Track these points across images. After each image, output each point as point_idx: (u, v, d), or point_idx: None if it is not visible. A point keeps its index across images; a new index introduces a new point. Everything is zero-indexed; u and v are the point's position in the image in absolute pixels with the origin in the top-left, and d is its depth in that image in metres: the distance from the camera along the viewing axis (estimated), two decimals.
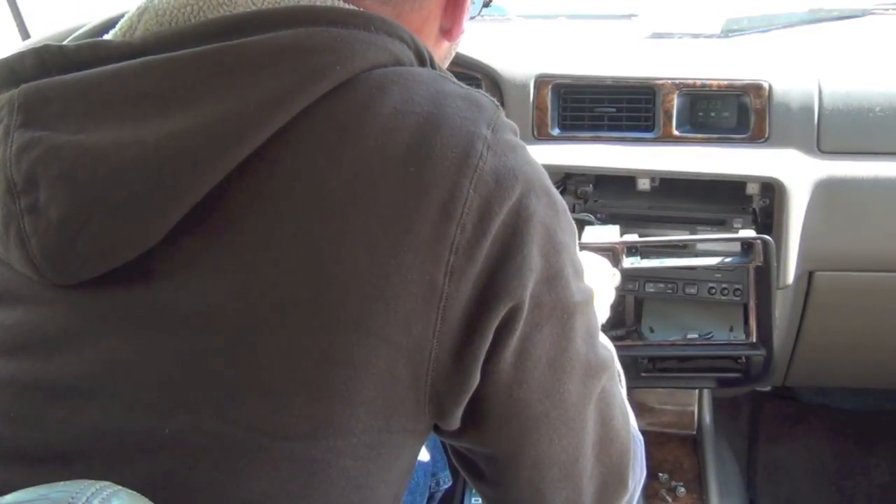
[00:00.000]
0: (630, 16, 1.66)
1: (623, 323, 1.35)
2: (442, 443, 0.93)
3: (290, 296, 0.53)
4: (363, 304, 0.53)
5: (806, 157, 1.24)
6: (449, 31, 0.71)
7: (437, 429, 0.62)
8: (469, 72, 1.35)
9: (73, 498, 0.43)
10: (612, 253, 1.15)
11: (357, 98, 0.56)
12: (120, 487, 0.45)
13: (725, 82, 1.27)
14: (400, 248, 0.53)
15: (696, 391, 1.64)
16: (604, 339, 0.88)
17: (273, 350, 0.53)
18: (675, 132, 1.28)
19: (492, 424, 0.61)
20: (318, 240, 0.53)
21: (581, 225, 1.26)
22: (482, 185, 0.55)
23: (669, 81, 1.27)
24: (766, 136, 1.25)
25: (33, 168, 0.55)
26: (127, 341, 0.54)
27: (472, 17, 0.78)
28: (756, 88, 1.25)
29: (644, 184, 1.33)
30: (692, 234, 1.29)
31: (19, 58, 0.59)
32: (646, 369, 1.32)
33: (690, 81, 1.27)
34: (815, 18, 1.53)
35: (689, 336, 1.30)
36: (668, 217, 1.32)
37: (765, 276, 1.19)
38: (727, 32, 1.47)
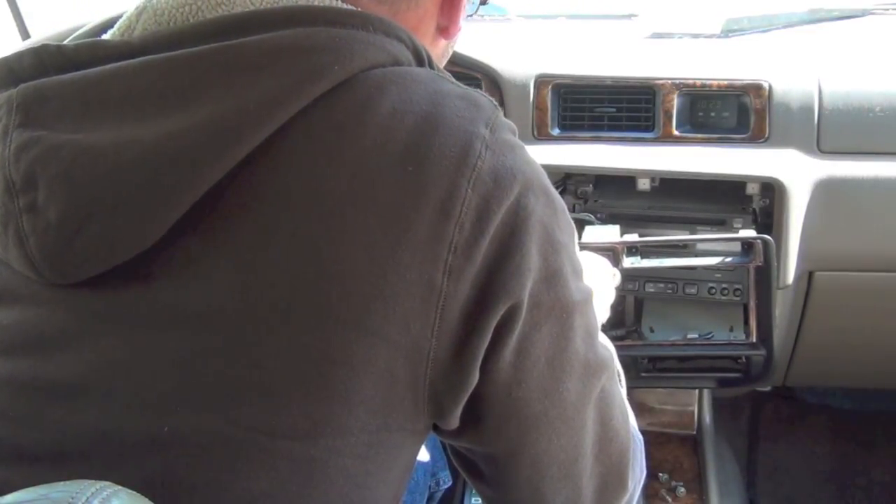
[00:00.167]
0: (630, 16, 1.65)
1: (623, 323, 1.35)
2: (442, 442, 0.93)
3: (288, 295, 0.53)
4: (362, 304, 0.53)
5: (806, 157, 1.24)
6: (446, 29, 0.71)
7: (436, 428, 0.62)
8: (469, 72, 1.35)
9: (73, 498, 0.43)
10: (612, 253, 1.15)
11: (355, 98, 0.56)
12: (120, 487, 0.45)
13: (725, 82, 1.27)
14: (398, 247, 0.53)
15: (696, 391, 1.64)
16: (603, 339, 0.88)
17: (272, 349, 0.53)
18: (675, 132, 1.28)
19: (491, 424, 0.61)
20: (317, 239, 0.53)
21: (581, 225, 1.26)
22: (480, 185, 0.55)
23: (669, 81, 1.27)
24: (766, 136, 1.25)
25: (32, 167, 0.55)
26: (125, 341, 0.54)
27: (469, 16, 0.78)
28: (756, 88, 1.25)
29: (644, 184, 1.33)
30: (692, 234, 1.29)
31: (18, 57, 0.59)
32: (646, 369, 1.32)
33: (690, 81, 1.27)
34: (815, 18, 1.53)
35: (689, 336, 1.30)
36: (668, 217, 1.32)
37: (765, 276, 1.19)
38: (727, 32, 1.47)
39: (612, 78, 1.31)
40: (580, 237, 1.14)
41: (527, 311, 0.58)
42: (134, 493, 0.46)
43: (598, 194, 1.34)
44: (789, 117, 1.24)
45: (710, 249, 1.26)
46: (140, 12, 0.62)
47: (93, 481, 0.45)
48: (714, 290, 1.30)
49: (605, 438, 0.66)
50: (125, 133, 0.54)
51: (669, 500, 1.55)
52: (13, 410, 0.55)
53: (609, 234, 1.21)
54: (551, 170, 1.34)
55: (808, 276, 1.30)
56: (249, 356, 0.53)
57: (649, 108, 1.30)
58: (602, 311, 0.99)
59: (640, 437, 0.75)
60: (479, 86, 1.35)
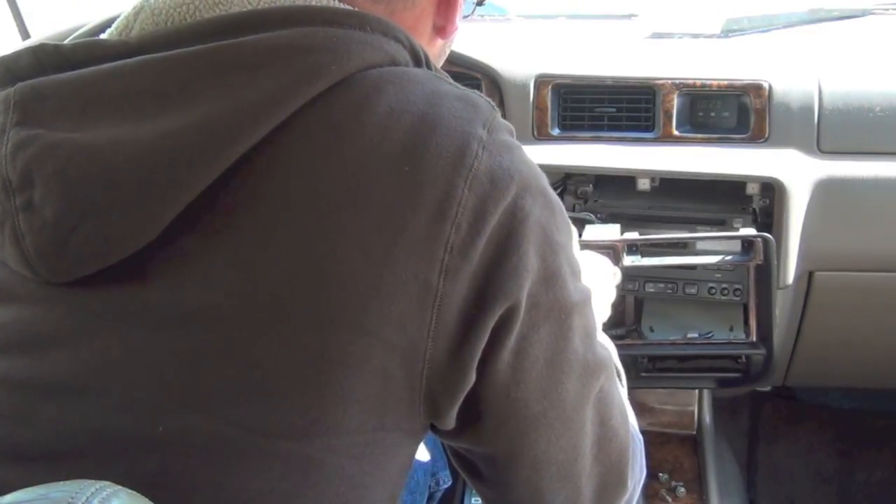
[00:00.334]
0: (630, 16, 1.66)
1: (623, 322, 1.35)
2: (441, 442, 0.93)
3: (284, 295, 0.53)
4: (358, 303, 0.53)
5: (806, 157, 1.24)
6: (442, 28, 0.71)
7: (435, 429, 0.62)
8: (469, 72, 1.35)
9: (72, 498, 0.43)
10: (612, 251, 1.15)
11: (353, 98, 0.56)
12: (119, 487, 0.45)
13: (725, 82, 1.27)
14: (394, 247, 0.53)
15: (696, 391, 1.64)
16: (603, 339, 0.88)
17: (267, 349, 0.53)
18: (675, 132, 1.28)
19: (490, 425, 0.61)
20: (313, 239, 0.53)
21: (581, 224, 1.26)
22: (477, 185, 0.55)
23: (669, 81, 1.27)
24: (766, 136, 1.25)
25: (28, 166, 0.55)
26: (121, 340, 0.54)
27: (466, 17, 0.78)
28: (756, 88, 1.25)
29: (644, 184, 1.33)
30: (692, 233, 1.29)
31: (15, 57, 0.59)
32: (646, 369, 1.32)
33: (690, 81, 1.27)
34: (815, 18, 1.53)
35: (689, 336, 1.30)
36: (669, 217, 1.32)
37: (765, 275, 1.19)
38: (727, 32, 1.47)
39: (612, 78, 1.31)
40: (580, 236, 1.14)
41: (525, 312, 0.58)
42: (133, 492, 0.46)
43: (598, 194, 1.34)
44: (789, 117, 1.24)
45: (711, 248, 1.26)
46: (137, 12, 0.62)
47: (92, 481, 0.45)
48: (714, 290, 1.29)
49: (604, 438, 0.66)
50: (122, 132, 0.54)
51: (669, 500, 1.55)
52: (8, 409, 0.55)
53: (609, 232, 1.21)
54: (551, 170, 1.34)
55: (808, 276, 1.30)
56: (245, 356, 0.53)
57: (649, 108, 1.30)
58: (603, 309, 0.99)
59: (640, 436, 0.75)
60: (479, 86, 1.35)
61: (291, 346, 0.53)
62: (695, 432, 1.69)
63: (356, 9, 0.61)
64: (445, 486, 1.21)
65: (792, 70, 1.27)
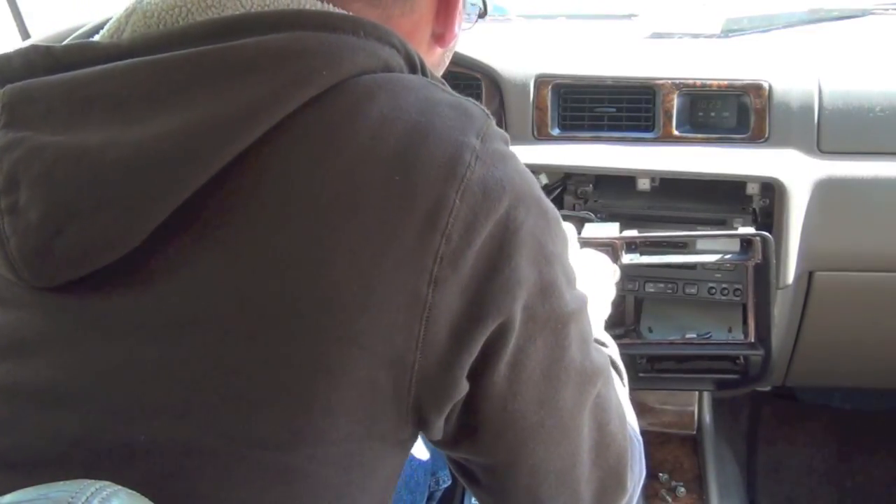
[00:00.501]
0: (630, 16, 1.66)
1: (622, 322, 1.35)
2: None
3: (270, 304, 0.52)
4: (344, 314, 0.52)
5: (806, 157, 1.24)
6: (441, 36, 0.69)
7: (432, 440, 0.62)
8: (469, 72, 1.35)
9: (72, 498, 0.43)
10: (610, 249, 1.15)
11: (344, 104, 0.55)
12: (119, 487, 0.45)
13: (725, 82, 1.27)
14: (383, 257, 0.53)
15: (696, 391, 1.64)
16: (604, 337, 0.88)
17: (251, 358, 0.52)
18: (675, 132, 1.28)
19: (487, 436, 0.61)
20: (301, 247, 0.52)
21: (581, 222, 1.26)
22: (469, 196, 0.54)
23: (669, 81, 1.27)
24: (766, 136, 1.25)
25: (15, 168, 0.54)
26: (104, 347, 0.53)
27: (467, 29, 0.76)
28: (756, 88, 1.25)
29: (644, 184, 1.33)
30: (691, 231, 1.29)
31: (6, 58, 0.59)
32: (644, 370, 1.32)
33: (690, 81, 1.27)
34: (815, 18, 1.53)
35: (688, 336, 1.30)
36: (669, 217, 1.32)
37: (764, 274, 1.19)
38: (727, 32, 1.47)
39: (612, 78, 1.31)
40: (580, 233, 1.14)
41: (521, 324, 0.57)
42: (133, 492, 0.46)
43: (598, 194, 1.34)
44: (789, 117, 1.24)
45: (710, 247, 1.26)
46: (129, 14, 0.61)
47: (92, 481, 0.44)
48: (714, 290, 1.30)
49: (602, 443, 0.66)
50: (109, 135, 0.53)
51: (669, 500, 1.55)
52: None
53: (608, 230, 1.22)
54: (551, 170, 1.34)
55: (808, 276, 1.30)
56: (228, 364, 0.52)
57: (649, 108, 1.30)
58: (603, 307, 0.99)
59: (640, 437, 0.75)
60: (479, 86, 1.35)
61: (276, 356, 0.52)
62: (695, 432, 1.69)
63: (351, 13, 0.60)
64: (445, 485, 1.21)
65: (792, 70, 1.27)
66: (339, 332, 0.52)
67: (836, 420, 1.91)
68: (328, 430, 0.54)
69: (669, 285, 1.31)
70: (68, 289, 0.54)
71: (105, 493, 0.43)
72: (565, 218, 1.13)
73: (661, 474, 1.60)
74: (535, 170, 1.34)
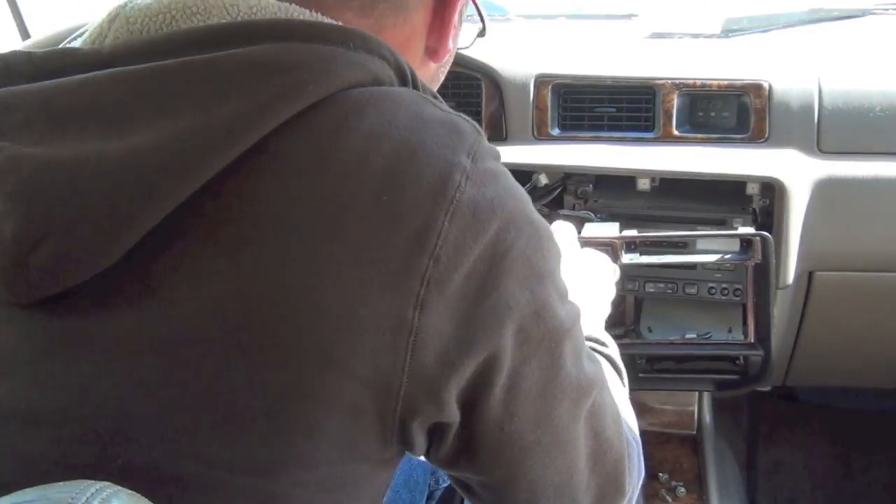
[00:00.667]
0: (630, 16, 1.66)
1: (622, 322, 1.35)
2: None
3: (251, 326, 0.50)
4: (328, 337, 0.51)
5: (806, 157, 1.24)
6: (435, 51, 0.67)
7: (428, 454, 0.61)
8: (469, 72, 1.35)
9: (73, 498, 0.42)
10: (611, 248, 1.15)
11: (331, 120, 0.53)
12: (119, 488, 0.45)
13: (725, 82, 1.27)
14: (368, 279, 0.51)
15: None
16: (604, 337, 0.88)
17: (231, 381, 0.50)
18: (675, 132, 1.28)
19: (484, 457, 0.60)
20: (284, 268, 0.50)
21: (580, 222, 1.26)
22: (459, 217, 0.53)
23: (669, 81, 1.27)
24: (766, 136, 1.25)
25: None
26: (80, 366, 0.51)
27: (464, 48, 0.75)
28: (756, 88, 1.25)
29: (644, 184, 1.33)
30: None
31: None
32: (643, 370, 1.32)
33: (690, 81, 1.27)
34: (815, 18, 1.53)
35: (688, 336, 1.30)
36: (668, 217, 1.32)
37: (763, 274, 1.19)
38: (727, 32, 1.47)
39: (612, 78, 1.31)
40: (580, 233, 1.14)
41: (515, 347, 0.56)
42: (133, 493, 0.45)
43: (598, 194, 1.34)
44: (789, 117, 1.24)
45: (710, 247, 1.26)
46: (112, 19, 0.59)
47: (92, 481, 0.44)
48: (714, 290, 1.30)
49: (598, 451, 0.65)
50: (87, 147, 0.51)
51: (669, 500, 1.55)
52: None
53: (608, 230, 1.22)
54: (551, 170, 1.35)
55: (808, 276, 1.30)
56: (208, 388, 0.50)
57: (649, 108, 1.30)
58: (603, 307, 0.99)
59: (638, 438, 0.75)
60: (478, 86, 1.35)
61: (257, 379, 0.50)
62: (695, 432, 1.69)
63: (340, 23, 0.58)
64: (445, 484, 1.21)
65: (792, 70, 1.27)
66: (322, 357, 0.51)
67: (836, 420, 1.91)
68: (310, 454, 0.52)
69: (669, 285, 1.31)
70: (44, 306, 0.52)
71: (105, 493, 0.43)
72: (565, 218, 1.14)
73: (660, 474, 1.60)
74: (535, 170, 1.35)
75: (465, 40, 0.75)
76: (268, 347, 0.50)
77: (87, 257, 0.51)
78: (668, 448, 1.66)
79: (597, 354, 0.83)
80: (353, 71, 0.55)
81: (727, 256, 1.20)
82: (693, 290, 1.30)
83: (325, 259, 0.51)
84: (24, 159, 0.52)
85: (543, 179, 1.36)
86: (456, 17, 0.67)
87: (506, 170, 0.58)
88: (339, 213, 0.51)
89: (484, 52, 1.35)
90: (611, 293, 1.04)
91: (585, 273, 1.03)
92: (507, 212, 0.55)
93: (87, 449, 0.50)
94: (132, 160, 0.50)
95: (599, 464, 0.66)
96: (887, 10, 1.57)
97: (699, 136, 1.29)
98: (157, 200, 0.50)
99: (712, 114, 1.30)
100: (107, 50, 0.56)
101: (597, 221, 1.30)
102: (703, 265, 1.28)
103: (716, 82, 1.27)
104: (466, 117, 0.59)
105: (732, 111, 1.29)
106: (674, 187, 1.32)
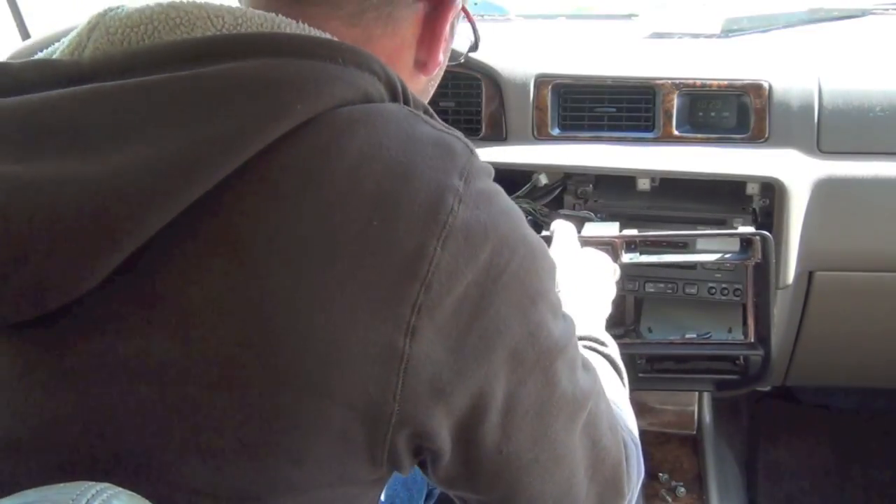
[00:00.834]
0: (630, 16, 1.66)
1: (622, 322, 1.35)
2: None
3: (236, 353, 0.49)
4: (316, 366, 0.49)
5: (806, 157, 1.24)
6: (424, 65, 0.65)
7: (422, 466, 0.61)
8: (469, 72, 1.35)
9: (73, 500, 0.42)
10: (611, 248, 1.15)
11: (320, 140, 0.51)
12: (121, 489, 0.45)
13: (725, 82, 1.27)
14: (358, 306, 0.50)
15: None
16: (604, 337, 0.88)
17: (217, 408, 0.49)
18: (675, 132, 1.28)
19: (482, 479, 0.60)
20: (270, 295, 0.49)
21: (581, 222, 1.26)
22: (451, 243, 0.51)
23: (669, 81, 1.27)
24: (766, 136, 1.25)
25: None
26: (58, 392, 0.50)
27: (455, 63, 0.73)
28: (756, 88, 1.25)
29: (644, 184, 1.33)
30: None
31: None
32: (643, 370, 1.32)
33: (690, 81, 1.27)
34: (815, 18, 1.54)
35: (688, 336, 1.30)
36: (669, 217, 1.32)
37: (763, 274, 1.19)
38: (727, 32, 1.47)
39: (612, 78, 1.31)
40: (580, 233, 1.14)
41: (510, 371, 0.55)
42: (134, 494, 0.45)
43: (598, 194, 1.34)
44: (789, 117, 1.24)
45: (709, 247, 1.26)
46: (92, 28, 0.57)
47: (93, 483, 0.44)
48: (714, 290, 1.30)
49: (597, 460, 0.65)
50: (67, 167, 0.49)
51: (669, 500, 1.55)
52: None
53: (608, 229, 1.22)
54: (551, 170, 1.35)
55: (808, 276, 1.30)
56: (191, 415, 0.49)
57: (649, 108, 1.30)
58: (603, 307, 0.99)
59: (637, 440, 0.74)
60: (478, 86, 1.35)
61: (241, 408, 0.49)
62: (695, 432, 1.69)
63: (329, 34, 0.57)
64: None
65: (792, 70, 1.27)
66: (310, 385, 0.50)
67: (836, 420, 1.91)
68: (299, 481, 0.51)
69: (669, 285, 1.31)
70: (20, 329, 0.50)
71: (106, 494, 0.43)
72: (565, 218, 1.14)
73: (661, 474, 1.60)
74: (536, 170, 1.35)
75: (456, 54, 0.74)
76: (254, 375, 0.49)
77: (68, 281, 0.49)
78: (668, 448, 1.66)
79: (596, 354, 0.83)
80: (341, 88, 0.53)
81: (727, 256, 1.20)
82: (693, 290, 1.30)
83: (313, 286, 0.49)
84: (2, 179, 0.49)
85: (543, 179, 1.36)
86: (447, 29, 0.65)
87: (499, 188, 0.57)
88: (328, 239, 0.50)
89: (484, 52, 1.34)
90: (611, 293, 1.04)
91: (585, 273, 1.03)
92: (500, 234, 0.54)
93: (67, 478, 0.48)
94: (113, 182, 0.48)
95: (598, 472, 0.66)
96: (887, 10, 1.57)
97: (699, 136, 1.29)
98: (139, 224, 0.48)
99: (712, 114, 1.30)
100: (87, 62, 0.54)
101: (597, 221, 1.30)
102: (703, 265, 1.28)
103: (716, 82, 1.27)
104: (459, 134, 0.57)
105: (732, 111, 1.29)
106: (674, 187, 1.32)
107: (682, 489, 1.56)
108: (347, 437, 0.52)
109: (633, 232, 1.20)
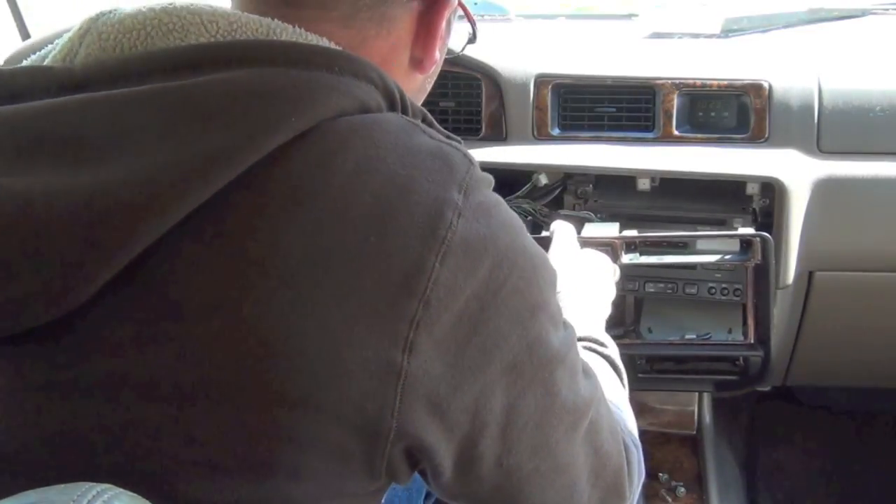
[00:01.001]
0: (630, 16, 1.66)
1: (622, 322, 1.35)
2: None
3: (230, 370, 0.48)
4: (312, 382, 0.49)
5: (806, 157, 1.24)
6: (420, 62, 0.64)
7: (423, 474, 0.60)
8: (469, 72, 1.35)
9: (74, 500, 0.42)
10: (611, 248, 1.15)
11: (316, 153, 0.50)
12: (121, 490, 0.45)
13: (725, 82, 1.27)
14: (355, 323, 0.49)
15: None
16: (604, 337, 0.88)
17: (211, 425, 0.48)
18: (675, 132, 1.28)
19: (483, 490, 0.59)
20: (265, 311, 0.48)
21: (581, 222, 1.26)
22: (450, 258, 0.51)
23: (669, 81, 1.27)
24: (766, 135, 1.25)
25: None
26: (50, 408, 0.49)
27: (451, 56, 0.73)
28: (756, 88, 1.25)
29: (644, 184, 1.33)
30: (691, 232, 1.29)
31: None
32: (643, 370, 1.32)
33: (690, 81, 1.27)
34: (815, 18, 1.54)
35: (688, 337, 1.30)
36: (669, 217, 1.32)
37: (763, 274, 1.19)
38: (727, 32, 1.47)
39: (612, 78, 1.31)
40: (580, 233, 1.14)
41: (509, 383, 0.55)
42: (135, 495, 0.45)
43: (598, 194, 1.34)
44: (789, 117, 1.24)
45: (709, 248, 1.26)
46: (83, 34, 0.56)
47: (94, 483, 0.44)
48: (714, 291, 1.30)
49: (598, 465, 0.65)
50: (58, 180, 0.48)
51: (669, 500, 1.55)
52: None
53: (608, 230, 1.22)
54: (551, 170, 1.35)
55: (808, 276, 1.30)
56: (186, 432, 0.48)
57: (649, 108, 1.30)
58: (603, 307, 0.99)
59: (637, 442, 0.74)
60: (478, 86, 1.35)
61: (236, 425, 0.49)
62: (695, 432, 1.69)
63: (324, 39, 0.56)
64: None
65: (792, 70, 1.27)
66: (306, 402, 0.49)
67: (836, 420, 1.91)
68: (295, 495, 0.51)
69: (669, 285, 1.31)
70: (10, 344, 0.49)
71: (107, 495, 0.43)
72: (565, 218, 1.14)
73: (660, 474, 1.60)
74: (536, 170, 1.35)
75: (455, 45, 0.73)
76: (247, 393, 0.48)
77: (54, 298, 0.48)
78: (668, 448, 1.66)
79: (596, 355, 0.83)
80: (338, 99, 0.52)
81: (727, 257, 1.20)
82: (693, 291, 1.30)
83: (309, 302, 0.48)
84: None
85: (543, 179, 1.36)
86: (443, 26, 0.64)
87: (499, 199, 0.57)
88: (325, 254, 0.49)
89: (484, 52, 1.35)
90: (611, 293, 1.04)
91: (585, 273, 1.03)
92: (500, 247, 0.53)
93: None
94: (105, 196, 0.47)
95: (600, 478, 0.66)
96: (887, 10, 1.57)
97: (699, 136, 1.29)
98: (130, 238, 0.47)
99: (712, 114, 1.30)
100: (79, 70, 0.53)
101: (597, 221, 1.31)
102: (703, 265, 1.28)
103: (716, 82, 1.27)
104: (458, 144, 0.57)
105: (732, 111, 1.29)
106: (674, 187, 1.32)
107: (682, 489, 1.56)
108: (345, 453, 0.51)
109: (633, 233, 1.20)
